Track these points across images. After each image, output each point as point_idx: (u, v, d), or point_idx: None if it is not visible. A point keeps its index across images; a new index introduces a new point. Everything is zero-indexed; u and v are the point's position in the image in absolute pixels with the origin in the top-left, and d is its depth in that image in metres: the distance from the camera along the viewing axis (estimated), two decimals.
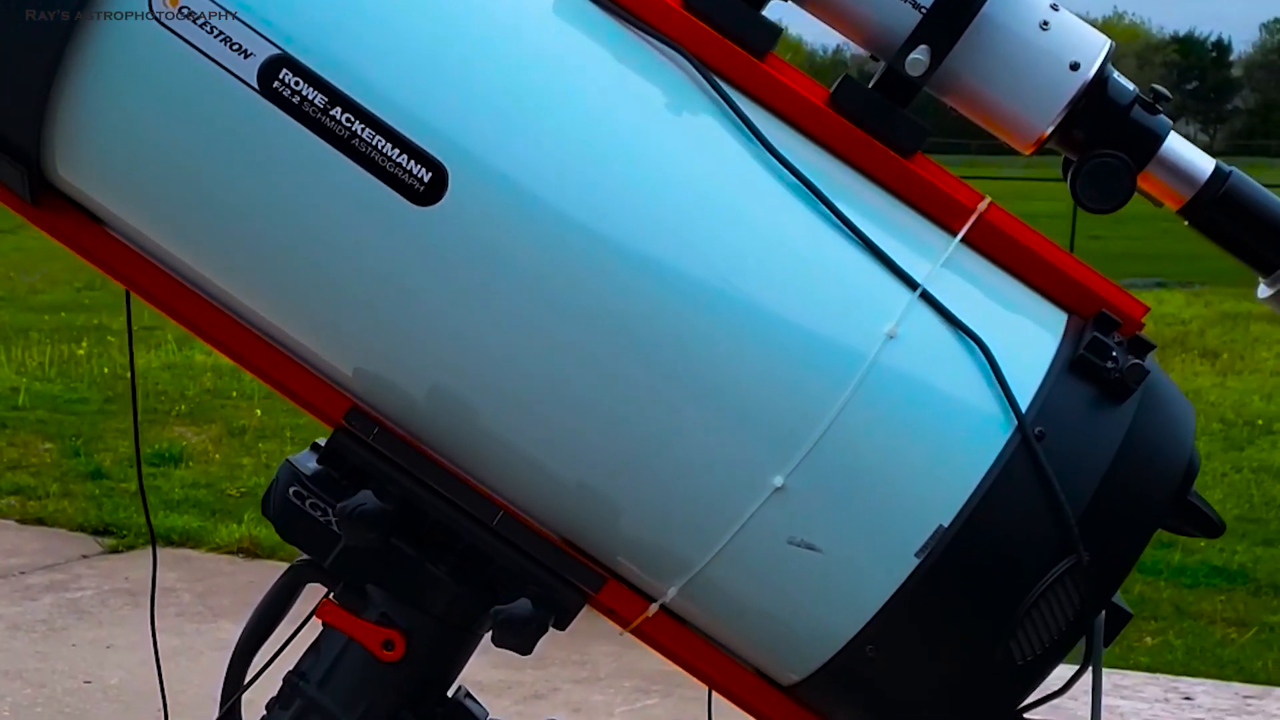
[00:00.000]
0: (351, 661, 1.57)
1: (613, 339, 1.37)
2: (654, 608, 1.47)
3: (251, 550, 6.65)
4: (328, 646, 1.59)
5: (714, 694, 1.57)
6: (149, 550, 6.67)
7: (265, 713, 1.62)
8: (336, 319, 1.45)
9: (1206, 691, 4.79)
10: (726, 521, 1.38)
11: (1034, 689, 1.41)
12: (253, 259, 1.43)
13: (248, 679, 1.65)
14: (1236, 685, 4.99)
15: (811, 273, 1.39)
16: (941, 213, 1.44)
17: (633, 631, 1.51)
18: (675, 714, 4.93)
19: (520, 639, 1.47)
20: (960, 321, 1.37)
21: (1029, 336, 1.43)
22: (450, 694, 1.63)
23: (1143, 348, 1.42)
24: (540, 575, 1.50)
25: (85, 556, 6.60)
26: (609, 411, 1.39)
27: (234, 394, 9.75)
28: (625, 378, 1.38)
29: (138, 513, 7.06)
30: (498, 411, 1.44)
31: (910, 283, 1.37)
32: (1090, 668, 1.43)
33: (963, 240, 1.43)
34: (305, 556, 1.61)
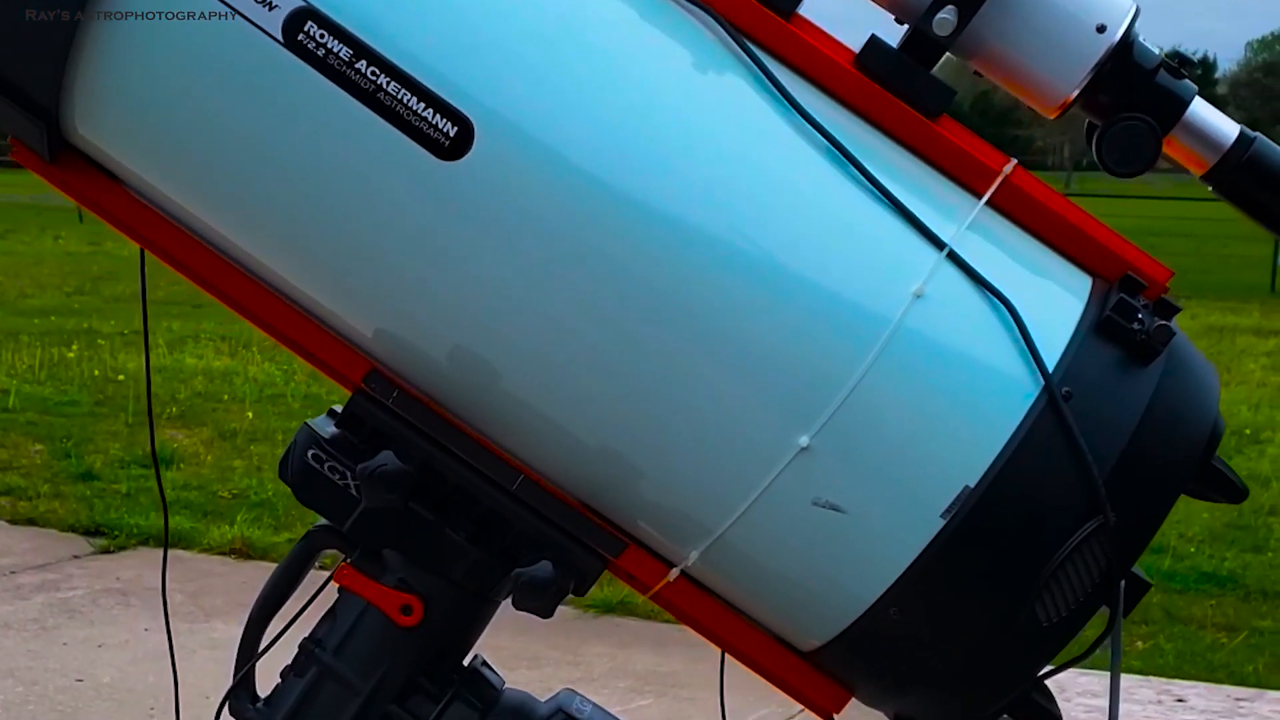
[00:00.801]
0: (368, 627, 1.56)
1: (637, 299, 1.36)
2: (675, 572, 1.46)
3: (244, 551, 6.65)
4: (344, 613, 1.57)
5: (727, 662, 1.57)
6: (139, 551, 6.69)
7: (280, 680, 1.61)
8: (357, 277, 1.44)
9: (1199, 694, 4.79)
10: (751, 483, 1.37)
11: (1057, 653, 1.39)
12: (273, 215, 1.42)
13: (262, 646, 1.64)
14: (1228, 688, 4.99)
15: (838, 232, 1.38)
16: (966, 175, 1.43)
17: (652, 597, 1.50)
18: (669, 714, 4.93)
19: (541, 601, 1.46)
20: (987, 281, 1.36)
21: (1054, 299, 1.42)
22: (466, 662, 1.61)
23: (1168, 310, 1.42)
24: (560, 540, 1.49)
25: (76, 557, 6.61)
26: (632, 373, 1.38)
27: (225, 397, 9.74)
28: (649, 339, 1.37)
29: (128, 513, 7.06)
30: (519, 373, 1.43)
31: (937, 243, 1.37)
32: (1110, 637, 1.42)
33: (988, 203, 1.42)
34: (322, 522, 1.60)
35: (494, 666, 1.65)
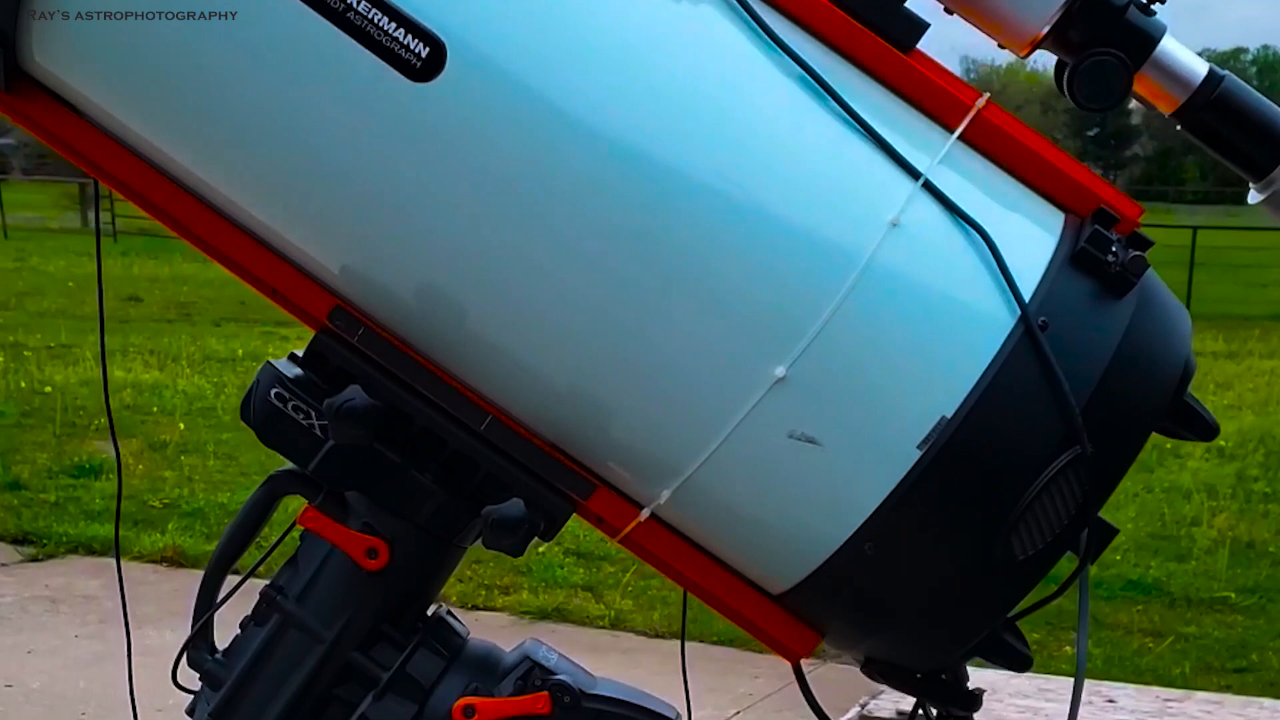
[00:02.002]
0: (333, 573, 1.52)
1: (607, 233, 1.34)
2: (645, 513, 1.44)
3: (175, 559, 6.61)
4: (307, 559, 1.54)
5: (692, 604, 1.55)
6: (68, 559, 6.64)
7: (239, 631, 1.58)
8: (324, 208, 1.40)
9: (1129, 695, 4.85)
10: (726, 416, 1.35)
11: (1031, 589, 1.38)
12: (238, 141, 1.38)
13: (220, 596, 1.60)
14: (1157, 689, 5.06)
15: (813, 162, 1.37)
16: (940, 109, 1.42)
17: (621, 541, 1.48)
18: None
19: (513, 539, 1.43)
20: (962, 211, 1.36)
21: (1028, 232, 1.41)
22: (430, 612, 1.58)
23: (1141, 244, 1.41)
24: (528, 483, 1.46)
25: (4, 565, 6.56)
26: (604, 309, 1.36)
27: (154, 409, 9.68)
28: (621, 273, 1.35)
29: (56, 522, 7.01)
30: (487, 310, 1.40)
31: (913, 173, 1.36)
32: (1079, 576, 1.42)
33: (961, 137, 1.41)
34: (286, 466, 1.56)
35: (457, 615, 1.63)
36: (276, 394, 1.50)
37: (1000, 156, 1.44)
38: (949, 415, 1.32)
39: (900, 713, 4.69)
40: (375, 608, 1.53)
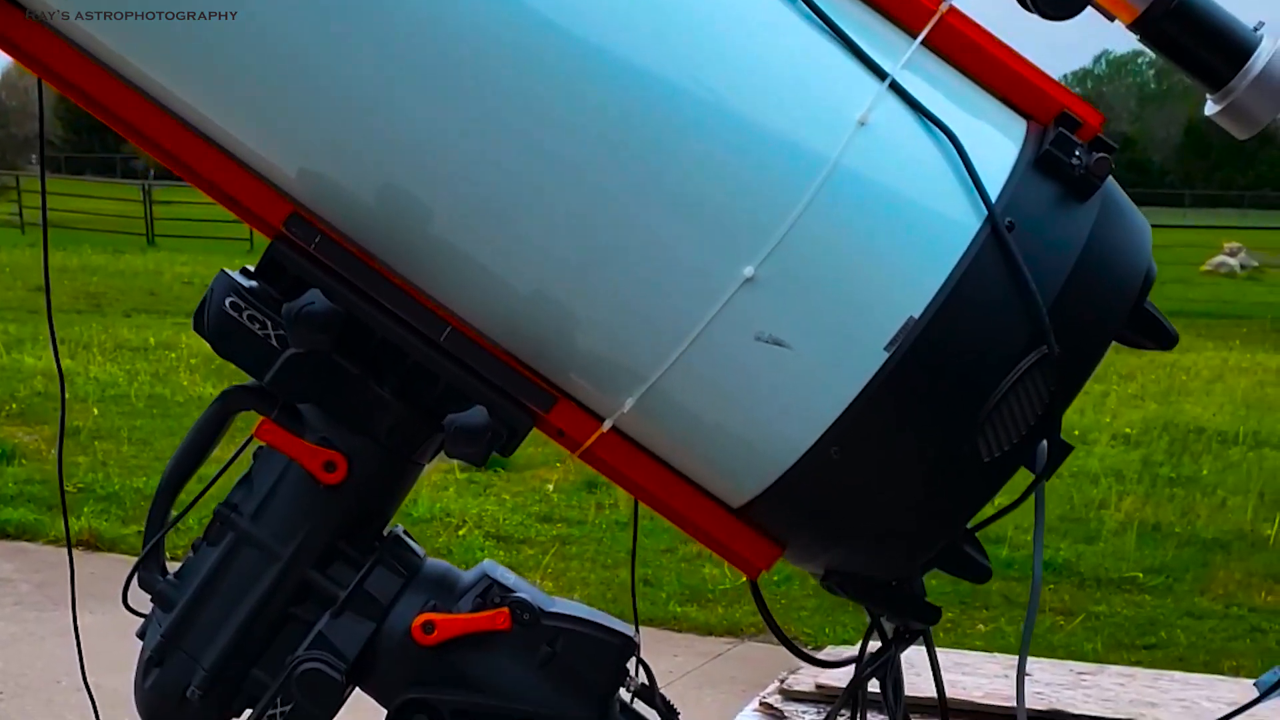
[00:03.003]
0: (289, 489, 1.51)
1: (572, 134, 1.33)
2: (609, 423, 1.44)
3: (91, 543, 6.52)
4: (262, 476, 1.52)
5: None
6: None
7: (191, 553, 1.56)
8: (280, 106, 1.38)
9: (1042, 669, 4.92)
10: (693, 318, 1.34)
11: (995, 493, 1.39)
12: (194, 38, 1.35)
13: (171, 517, 1.57)
14: (1070, 663, 5.16)
15: (781, 64, 1.37)
16: (903, 15, 1.43)
17: (582, 455, 1.47)
18: None
19: (475, 447, 1.42)
20: (929, 112, 1.36)
21: (992, 137, 1.42)
22: (386, 532, 1.57)
23: (1103, 149, 1.42)
24: (489, 395, 1.45)
25: None
26: (570, 211, 1.35)
27: (66, 396, 9.50)
28: (587, 175, 1.34)
29: None
30: (449, 213, 1.38)
31: (880, 73, 1.37)
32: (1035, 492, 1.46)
33: (925, 43, 1.42)
34: (233, 385, 1.54)
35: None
36: (231, 303, 1.47)
37: (964, 63, 1.45)
38: (916, 316, 1.33)
39: (820, 686, 4.74)
40: (332, 525, 1.52)
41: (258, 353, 1.48)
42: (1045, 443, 1.45)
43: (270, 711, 1.50)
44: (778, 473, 1.39)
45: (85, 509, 6.93)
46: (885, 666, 1.58)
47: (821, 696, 4.70)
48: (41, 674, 4.85)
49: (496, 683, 1.51)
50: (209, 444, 1.59)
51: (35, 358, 10.80)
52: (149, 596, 1.58)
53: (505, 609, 1.50)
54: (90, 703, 1.76)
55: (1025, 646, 1.55)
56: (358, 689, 1.56)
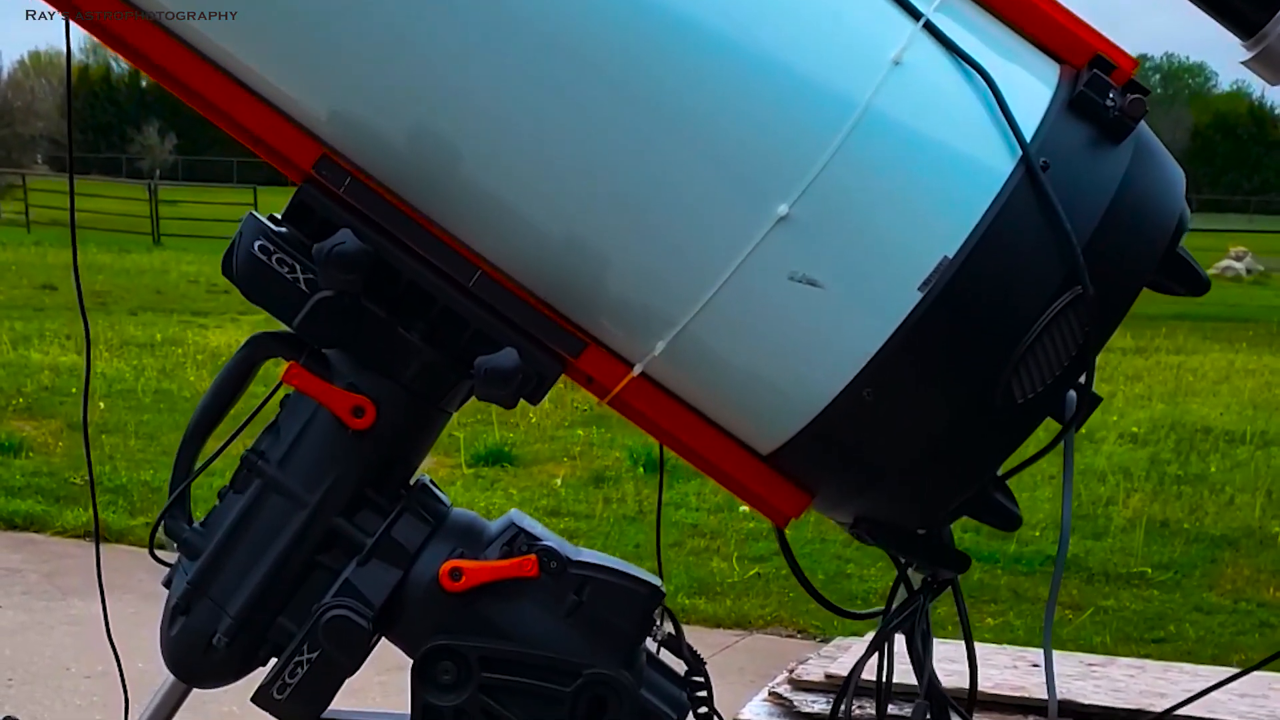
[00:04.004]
0: (317, 435, 1.50)
1: (603, 75, 1.33)
2: (639, 367, 1.43)
3: (100, 534, 6.51)
4: (289, 422, 1.52)
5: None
6: None
7: (218, 501, 1.56)
8: (315, 49, 1.37)
9: (1054, 660, 4.95)
10: (727, 258, 1.34)
11: (1026, 436, 1.39)
12: None
13: (198, 465, 1.58)
14: (1080, 654, 5.16)
15: (816, 4, 1.37)
16: None
17: (610, 402, 1.47)
18: None
19: (505, 389, 1.42)
20: (964, 52, 1.36)
21: (1025, 80, 1.42)
22: (412, 481, 1.57)
23: (1138, 92, 1.41)
24: (518, 341, 1.45)
25: None
26: (600, 152, 1.34)
27: (73, 390, 9.54)
28: (622, 116, 1.34)
29: None
30: (481, 154, 1.38)
31: (914, 13, 1.37)
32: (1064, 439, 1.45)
33: None
34: (260, 332, 1.55)
35: None
36: (260, 246, 1.47)
37: (998, 6, 1.45)
38: (950, 255, 1.33)
39: (829, 676, 4.75)
40: (359, 471, 1.51)
41: (286, 296, 1.47)
42: (1074, 393, 1.45)
43: (296, 659, 1.50)
44: (810, 416, 1.38)
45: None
46: (913, 617, 1.58)
47: (830, 686, 4.71)
48: (50, 662, 4.84)
49: (523, 630, 1.50)
50: (235, 392, 1.58)
51: (42, 353, 10.83)
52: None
53: (533, 556, 1.50)
54: (123, 688, 1.76)
55: (1054, 594, 1.55)
56: (384, 641, 1.56)
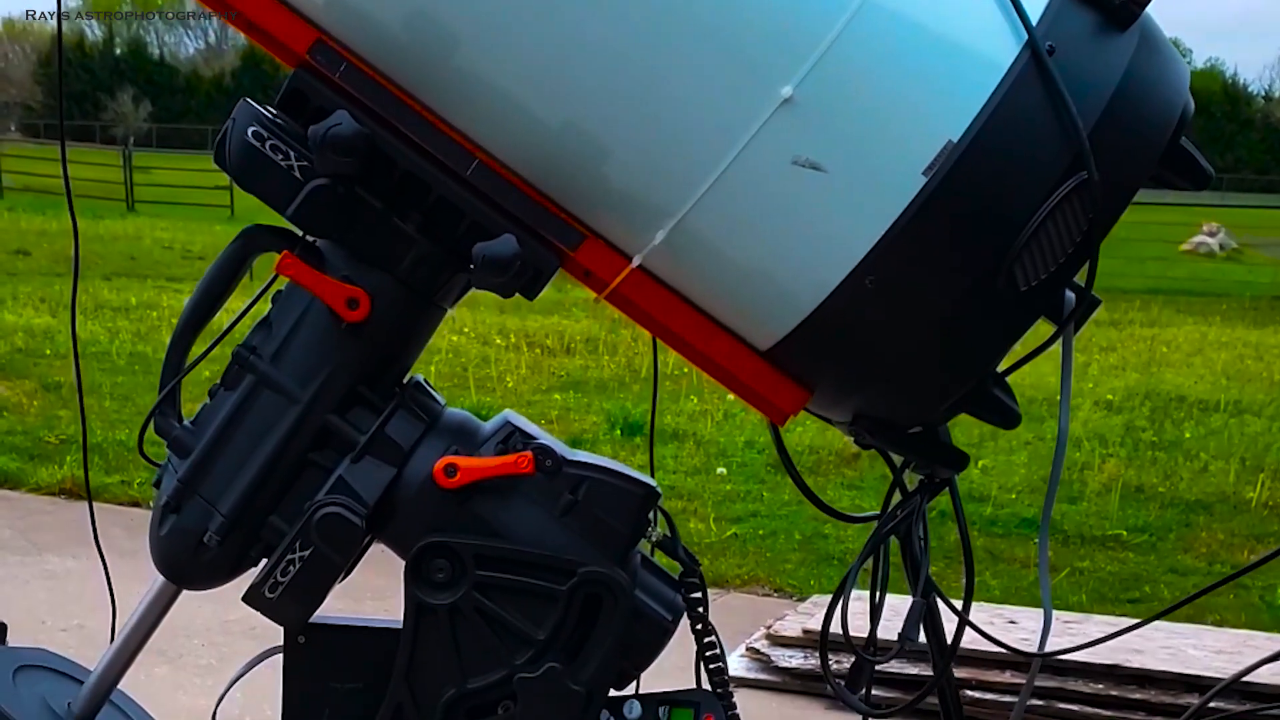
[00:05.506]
0: (310, 329, 1.48)
1: None
2: (638, 259, 1.42)
3: (74, 491, 6.49)
4: (282, 317, 1.49)
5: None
6: None
7: (209, 398, 1.54)
8: None
9: (1028, 616, 4.94)
10: (730, 140, 1.32)
11: (1029, 326, 1.38)
12: None
13: (190, 361, 1.55)
14: (1057, 612, 5.16)
15: None
16: None
17: (609, 297, 1.45)
18: None
19: (503, 277, 1.40)
20: None
21: None
22: (406, 380, 1.55)
23: None
24: (515, 233, 1.42)
25: None
26: (598, 36, 1.32)
27: (47, 352, 9.53)
28: None
29: None
30: (479, 40, 1.35)
31: None
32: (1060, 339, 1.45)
33: None
34: (253, 224, 1.52)
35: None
36: (254, 132, 1.44)
37: None
38: (955, 140, 1.31)
39: (806, 631, 4.76)
40: (353, 367, 1.49)
41: (281, 184, 1.44)
42: (1072, 295, 1.44)
43: (289, 556, 1.48)
44: (811, 306, 1.37)
45: (68, 459, 6.90)
46: (909, 519, 1.57)
47: (807, 641, 4.72)
48: (27, 615, 4.82)
49: (518, 528, 1.49)
50: (227, 287, 1.55)
51: (15, 315, 10.77)
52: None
53: (529, 453, 1.48)
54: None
55: (1051, 493, 1.54)
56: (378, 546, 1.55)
